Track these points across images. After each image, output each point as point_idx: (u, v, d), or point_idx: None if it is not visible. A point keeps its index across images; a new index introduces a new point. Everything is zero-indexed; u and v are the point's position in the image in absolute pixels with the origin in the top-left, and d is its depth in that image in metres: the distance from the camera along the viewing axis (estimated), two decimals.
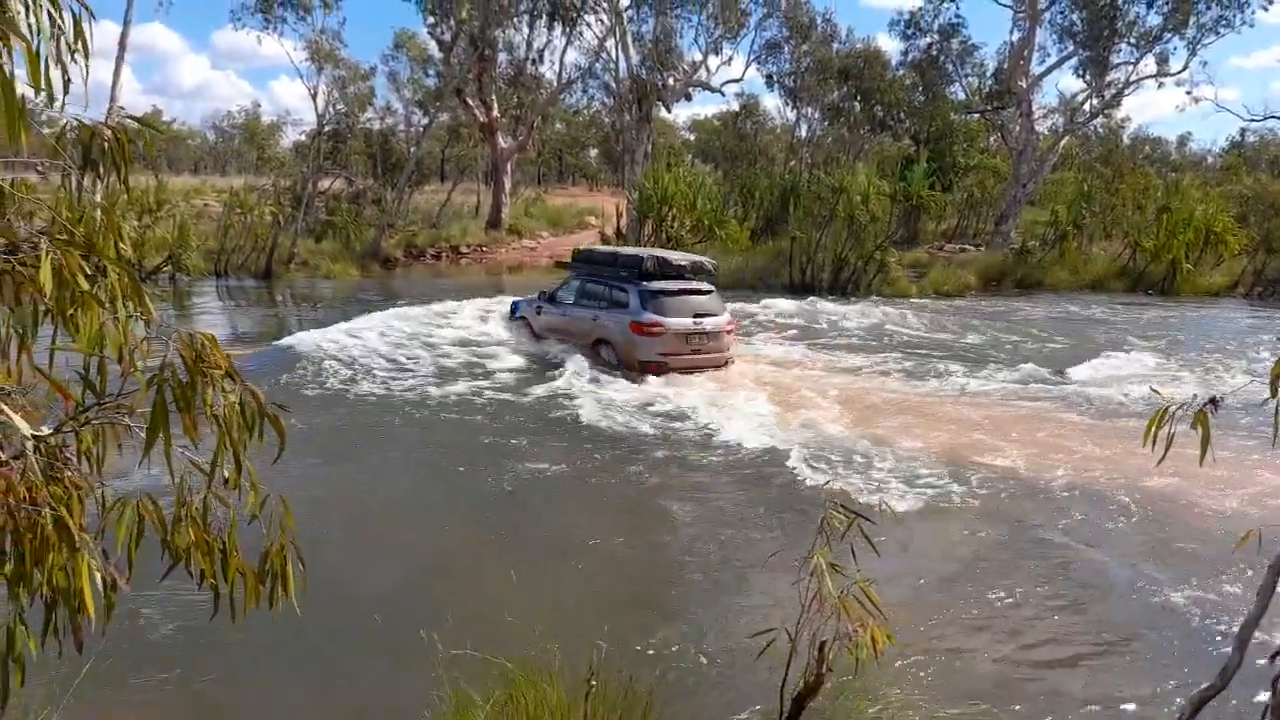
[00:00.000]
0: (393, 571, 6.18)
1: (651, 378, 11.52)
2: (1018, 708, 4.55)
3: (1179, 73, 29.76)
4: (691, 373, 11.78)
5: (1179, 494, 7.73)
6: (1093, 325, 18.50)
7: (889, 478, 8.07)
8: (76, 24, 2.08)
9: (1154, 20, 28.62)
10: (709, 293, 12.28)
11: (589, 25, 31.56)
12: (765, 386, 11.56)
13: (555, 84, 33.55)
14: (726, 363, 12.27)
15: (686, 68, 32.60)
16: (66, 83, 2.06)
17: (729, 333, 12.32)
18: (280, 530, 2.46)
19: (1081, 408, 10.89)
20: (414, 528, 7.03)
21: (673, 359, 11.69)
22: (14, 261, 2.13)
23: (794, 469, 8.26)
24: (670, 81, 31.57)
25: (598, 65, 33.69)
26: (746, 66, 35.05)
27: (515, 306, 15.02)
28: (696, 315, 11.84)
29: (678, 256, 12.95)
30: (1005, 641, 5.30)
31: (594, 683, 3.53)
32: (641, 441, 9.25)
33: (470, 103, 31.38)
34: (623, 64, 30.70)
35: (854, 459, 8.60)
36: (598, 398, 10.77)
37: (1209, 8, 27.84)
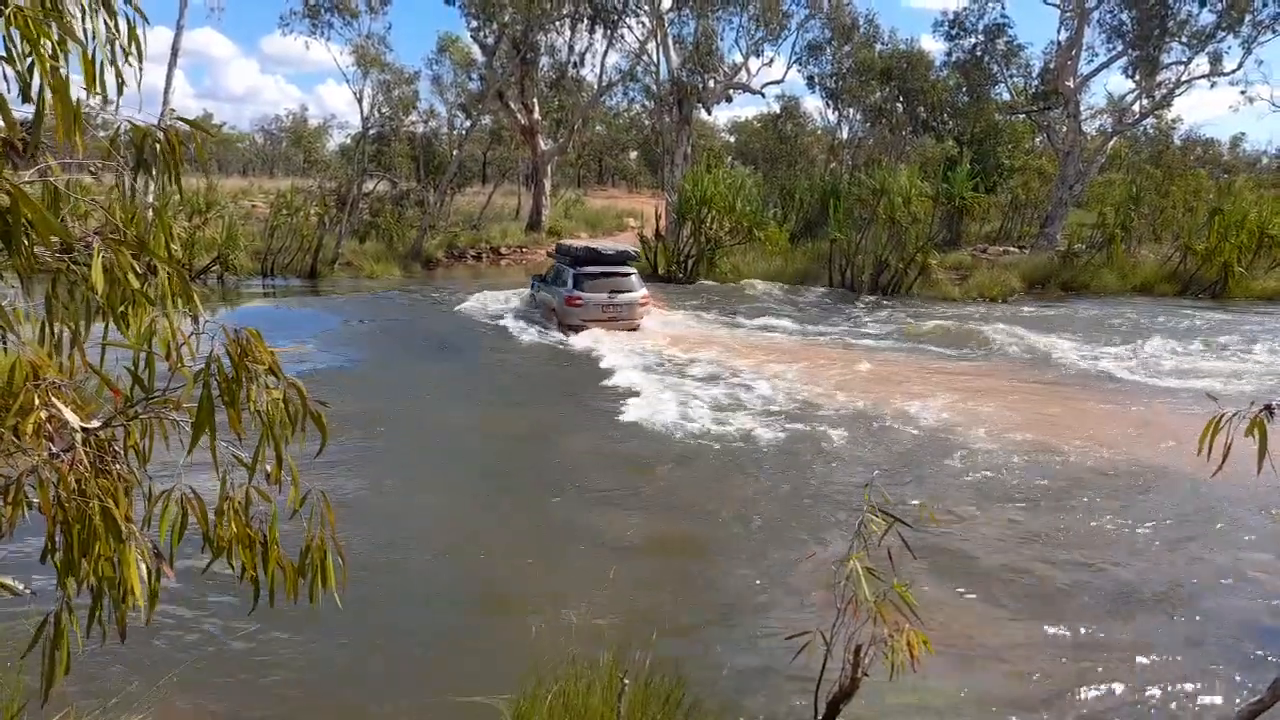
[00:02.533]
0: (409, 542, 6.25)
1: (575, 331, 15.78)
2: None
3: (1233, 72, 28.97)
4: (607, 328, 15.91)
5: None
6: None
7: None
8: (131, 29, 2.13)
9: (1207, 18, 27.87)
10: (628, 275, 16.45)
11: (630, 28, 31.62)
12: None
13: (596, 87, 33.63)
14: (637, 326, 16.33)
15: (727, 70, 32.48)
16: (121, 86, 2.12)
17: (642, 305, 16.43)
18: (320, 525, 2.50)
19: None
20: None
21: (590, 323, 15.83)
22: (68, 260, 2.20)
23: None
24: (711, 84, 31.47)
25: (638, 68, 33.74)
26: (788, 68, 34.97)
27: (533, 284, 19.10)
28: (612, 291, 16.00)
29: (608, 248, 17.49)
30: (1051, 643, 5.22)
31: (627, 682, 3.53)
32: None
33: (512, 106, 31.58)
34: (663, 67, 30.72)
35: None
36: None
37: (1265, 4, 27.05)
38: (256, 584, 2.43)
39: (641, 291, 16.56)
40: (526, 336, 15.97)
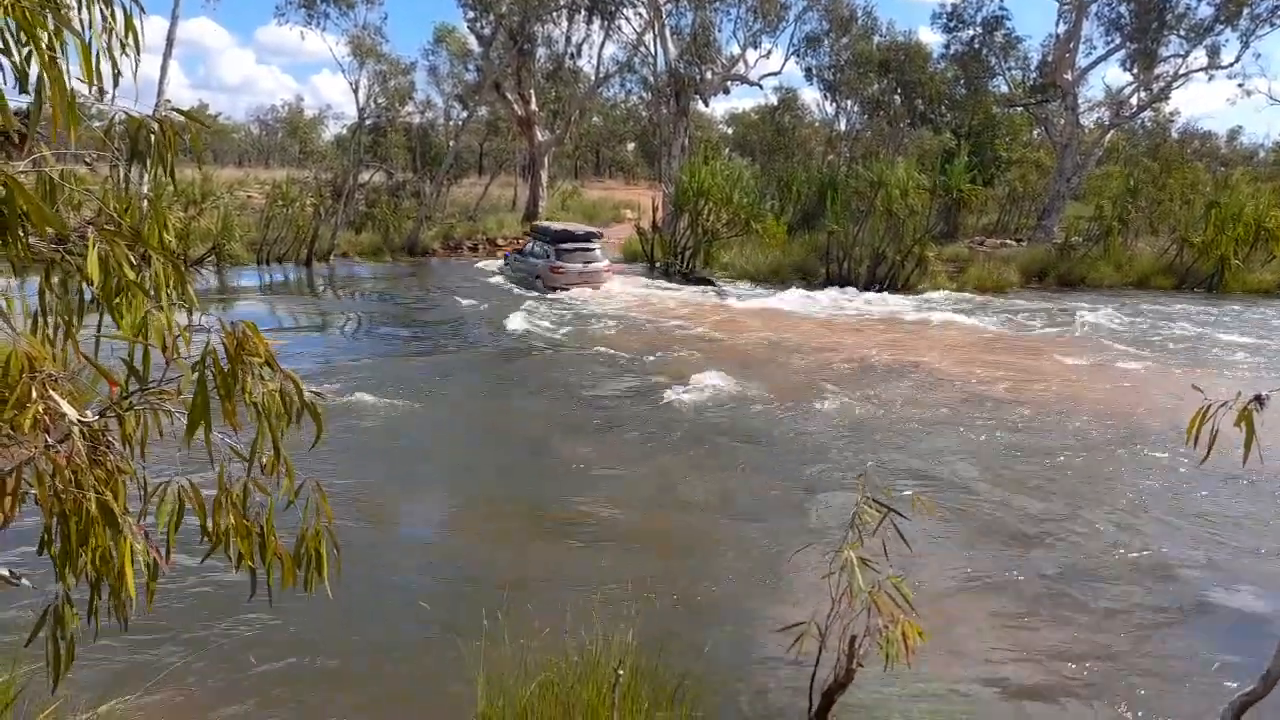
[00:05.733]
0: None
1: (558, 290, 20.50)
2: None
3: (1230, 65, 28.97)
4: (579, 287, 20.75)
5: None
6: None
7: None
8: (127, 19, 2.13)
9: (1205, 11, 27.84)
10: (595, 249, 21.36)
11: (627, 19, 31.48)
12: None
13: (593, 78, 33.54)
14: (599, 286, 20.96)
15: (725, 61, 32.37)
16: (116, 76, 2.11)
17: (606, 271, 21.41)
18: (316, 515, 2.51)
19: None
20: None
21: (569, 285, 20.49)
22: (63, 251, 2.19)
23: None
24: (708, 75, 31.37)
25: (636, 59, 33.66)
26: (785, 60, 34.88)
27: (506, 258, 23.85)
28: (584, 262, 20.93)
29: (579, 229, 22.55)
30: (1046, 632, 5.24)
31: (621, 673, 3.55)
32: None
33: (509, 97, 31.49)
34: (661, 58, 30.61)
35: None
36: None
37: None
38: (254, 574, 2.44)
39: (605, 262, 21.76)
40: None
